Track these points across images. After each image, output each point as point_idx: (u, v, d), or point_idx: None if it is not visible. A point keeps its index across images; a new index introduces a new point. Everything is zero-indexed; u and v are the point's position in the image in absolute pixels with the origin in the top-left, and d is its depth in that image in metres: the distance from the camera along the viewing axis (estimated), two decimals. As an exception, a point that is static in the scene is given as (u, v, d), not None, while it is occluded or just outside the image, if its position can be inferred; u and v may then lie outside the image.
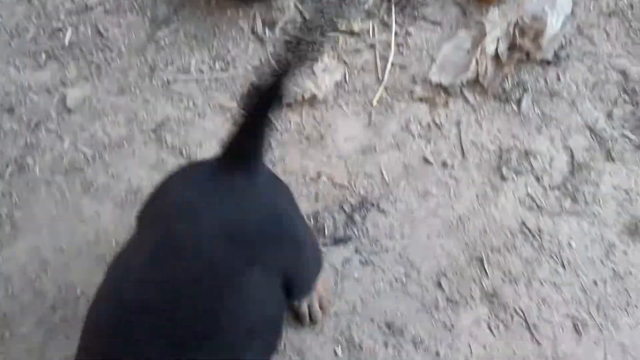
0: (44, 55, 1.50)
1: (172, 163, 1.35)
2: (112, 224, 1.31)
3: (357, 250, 1.28)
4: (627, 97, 1.52)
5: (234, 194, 0.93)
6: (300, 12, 1.60)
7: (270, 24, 1.58)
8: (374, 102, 1.53)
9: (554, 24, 1.58)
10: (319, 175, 1.40)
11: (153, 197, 1.00)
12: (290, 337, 1.19)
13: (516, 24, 1.57)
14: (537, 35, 1.55)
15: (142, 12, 1.58)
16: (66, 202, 1.38)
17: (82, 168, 1.41)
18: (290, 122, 1.45)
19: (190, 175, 0.99)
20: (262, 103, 0.89)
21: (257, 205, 0.95)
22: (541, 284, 1.28)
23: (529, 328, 1.25)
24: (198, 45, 1.56)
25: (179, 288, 0.81)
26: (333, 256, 1.25)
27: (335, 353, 1.19)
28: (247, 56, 1.59)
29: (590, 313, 1.25)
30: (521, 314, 1.26)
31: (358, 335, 1.21)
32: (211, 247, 0.85)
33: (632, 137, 1.48)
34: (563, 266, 1.29)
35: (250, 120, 0.91)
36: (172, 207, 0.93)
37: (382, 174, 1.41)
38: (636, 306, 1.29)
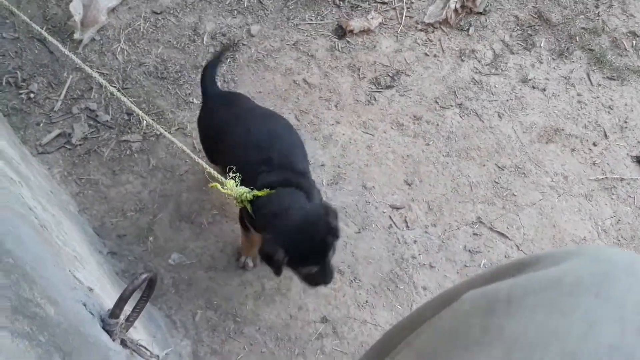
0: (235, 12, 2.54)
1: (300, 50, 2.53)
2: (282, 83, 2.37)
3: (396, 89, 2.37)
4: (518, 28, 2.52)
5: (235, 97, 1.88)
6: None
7: None
8: (398, 32, 2.50)
9: (483, -6, 2.48)
10: (374, 62, 2.46)
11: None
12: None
13: (465, -5, 2.43)
14: (474, 0, 2.47)
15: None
16: (259, 72, 2.40)
17: (263, 60, 2.43)
18: (358, 41, 2.53)
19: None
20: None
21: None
22: None
23: None
24: (307, 8, 2.56)
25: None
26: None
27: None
28: (332, 15, 2.56)
29: None
30: None
31: None
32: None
33: (520, 43, 2.49)
34: None
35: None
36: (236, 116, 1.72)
37: (405, 60, 2.45)
38: None
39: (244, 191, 1.59)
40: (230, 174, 1.63)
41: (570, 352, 0.50)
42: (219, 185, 1.62)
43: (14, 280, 0.69)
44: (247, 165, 1.64)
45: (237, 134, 1.71)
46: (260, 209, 1.57)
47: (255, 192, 1.59)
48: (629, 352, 0.49)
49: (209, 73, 1.89)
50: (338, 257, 1.99)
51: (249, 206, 1.60)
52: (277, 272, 1.50)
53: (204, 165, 1.63)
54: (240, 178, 1.61)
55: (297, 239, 1.49)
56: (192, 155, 1.62)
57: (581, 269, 0.57)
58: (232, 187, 1.61)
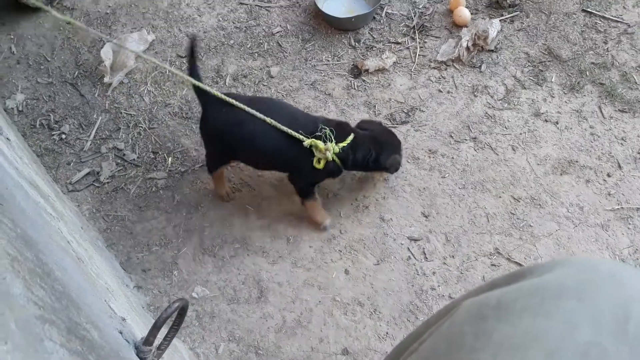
0: (255, 55, 2.66)
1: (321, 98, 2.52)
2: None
3: (411, 125, 2.45)
4: (529, 64, 2.56)
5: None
6: (371, 34, 2.69)
7: (357, 41, 2.64)
8: (412, 70, 2.57)
9: (492, 33, 2.51)
10: (390, 99, 2.57)
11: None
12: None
13: (476, 34, 2.49)
14: (485, 38, 2.50)
15: (298, 37, 2.70)
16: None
17: (282, 99, 2.49)
18: (373, 80, 2.61)
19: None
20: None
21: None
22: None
23: None
24: (324, 50, 2.66)
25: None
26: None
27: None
28: (347, 55, 2.65)
29: None
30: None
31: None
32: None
33: (531, 79, 2.53)
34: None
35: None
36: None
37: (420, 97, 2.51)
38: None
39: (333, 146, 1.93)
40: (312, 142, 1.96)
41: (550, 351, 0.54)
42: (320, 145, 1.91)
43: (64, 304, 0.75)
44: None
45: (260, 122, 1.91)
46: (356, 153, 2.00)
47: (341, 144, 1.95)
48: (603, 348, 0.54)
49: (195, 75, 2.01)
50: (357, 289, 2.02)
51: (336, 158, 1.96)
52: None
53: (291, 132, 1.93)
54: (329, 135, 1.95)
55: (398, 145, 2.14)
56: (282, 127, 1.90)
57: (566, 277, 0.61)
58: (326, 147, 1.92)
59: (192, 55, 1.98)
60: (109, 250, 2.10)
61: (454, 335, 0.64)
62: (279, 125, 1.88)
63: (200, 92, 1.97)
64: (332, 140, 1.90)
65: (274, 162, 2.06)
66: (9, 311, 0.54)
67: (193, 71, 1.98)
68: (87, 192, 2.30)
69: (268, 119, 1.87)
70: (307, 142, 1.88)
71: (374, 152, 2.00)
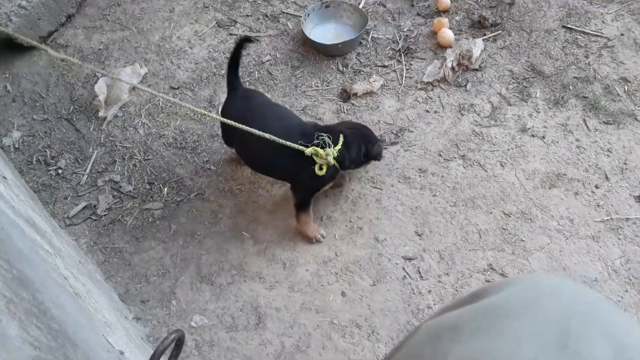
0: (247, 83, 2.65)
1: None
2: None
3: (400, 145, 2.46)
4: (513, 81, 2.61)
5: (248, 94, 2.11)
6: (358, 58, 2.76)
7: (345, 66, 2.70)
8: (399, 92, 2.62)
9: (476, 52, 2.56)
10: (379, 121, 2.61)
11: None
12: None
13: (460, 54, 2.54)
14: (470, 58, 2.55)
15: (287, 64, 2.77)
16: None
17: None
18: (362, 103, 2.64)
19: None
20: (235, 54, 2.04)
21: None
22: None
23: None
24: (313, 76, 2.72)
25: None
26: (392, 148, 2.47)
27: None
28: (336, 80, 2.70)
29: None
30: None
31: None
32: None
33: (516, 95, 2.57)
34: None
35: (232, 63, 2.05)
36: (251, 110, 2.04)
37: (408, 118, 2.56)
38: None
39: (333, 150, 1.98)
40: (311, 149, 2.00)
41: None
42: (321, 152, 1.96)
43: (60, 343, 0.78)
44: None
45: (266, 122, 2.00)
46: (350, 152, 2.06)
47: (337, 147, 2.00)
48: None
49: (232, 70, 2.14)
50: (355, 311, 2.03)
51: (336, 162, 2.01)
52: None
53: (293, 145, 1.96)
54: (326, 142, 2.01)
55: (373, 134, 2.20)
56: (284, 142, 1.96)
57: (513, 296, 0.65)
58: (326, 153, 1.97)
59: (239, 52, 2.12)
60: (108, 282, 2.12)
61: (413, 356, 0.67)
62: (279, 140, 1.92)
63: (230, 82, 2.15)
64: (330, 146, 1.97)
65: (273, 169, 2.14)
66: (5, 353, 0.57)
67: (234, 64, 2.14)
68: (85, 226, 2.32)
69: (267, 135, 1.91)
70: (308, 150, 1.93)
71: (363, 146, 2.09)
